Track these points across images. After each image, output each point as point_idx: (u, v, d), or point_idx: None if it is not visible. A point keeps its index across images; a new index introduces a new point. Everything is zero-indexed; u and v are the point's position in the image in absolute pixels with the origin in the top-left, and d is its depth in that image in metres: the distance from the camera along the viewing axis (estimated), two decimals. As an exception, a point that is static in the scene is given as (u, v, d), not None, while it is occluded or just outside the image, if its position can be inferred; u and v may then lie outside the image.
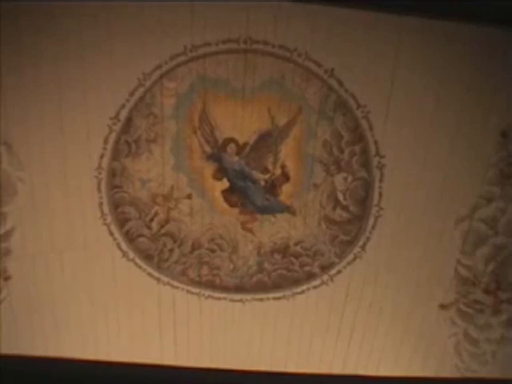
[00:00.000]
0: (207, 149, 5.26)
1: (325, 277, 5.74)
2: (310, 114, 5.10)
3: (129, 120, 5.09)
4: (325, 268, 5.70)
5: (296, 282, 5.79)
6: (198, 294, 5.85)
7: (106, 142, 5.15)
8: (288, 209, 5.49)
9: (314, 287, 5.78)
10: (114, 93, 4.97)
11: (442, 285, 5.53)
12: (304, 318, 5.93)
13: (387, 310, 5.74)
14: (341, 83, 4.96)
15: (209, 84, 4.99)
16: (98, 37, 4.73)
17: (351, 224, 5.48)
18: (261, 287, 5.83)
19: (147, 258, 5.66)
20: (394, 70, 4.86)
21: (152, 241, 5.58)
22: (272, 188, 5.42)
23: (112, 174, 5.28)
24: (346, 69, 4.90)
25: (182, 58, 4.88)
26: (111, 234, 5.51)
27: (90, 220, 5.41)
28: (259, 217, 5.55)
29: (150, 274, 5.73)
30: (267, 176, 5.38)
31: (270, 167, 5.34)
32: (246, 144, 5.24)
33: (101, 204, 5.37)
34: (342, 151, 5.21)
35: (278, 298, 5.86)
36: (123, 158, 5.23)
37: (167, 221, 5.51)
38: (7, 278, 5.38)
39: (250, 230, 5.60)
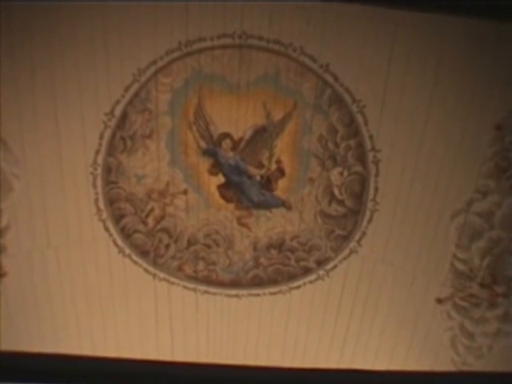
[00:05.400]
0: (202, 144, 5.26)
1: (321, 272, 5.75)
2: (306, 108, 5.10)
3: (124, 116, 5.09)
4: (321, 263, 5.71)
5: (292, 277, 5.79)
6: (194, 290, 5.86)
7: (101, 137, 5.14)
8: (284, 204, 5.49)
9: (310, 282, 5.79)
10: (108, 89, 4.96)
11: (437, 279, 5.54)
12: (300, 313, 5.94)
13: (383, 305, 5.75)
14: (336, 78, 4.96)
15: (204, 79, 5.00)
16: (92, 33, 4.73)
17: (347, 218, 5.49)
18: (257, 282, 5.83)
19: (143, 253, 5.66)
20: (388, 65, 4.86)
21: (148, 236, 5.58)
22: (267, 183, 5.42)
23: (107, 169, 5.28)
24: (341, 63, 4.90)
25: (177, 54, 4.88)
26: (107, 229, 5.50)
27: (86, 216, 5.41)
28: (255, 212, 5.55)
29: (146, 270, 5.73)
30: (263, 171, 5.39)
31: (266, 162, 5.35)
32: (241, 139, 5.25)
33: (96, 200, 5.36)
34: (337, 146, 5.21)
35: (274, 293, 5.87)
36: (118, 153, 5.23)
37: (163, 216, 5.51)
38: (3, 275, 5.37)
39: (246, 226, 5.60)
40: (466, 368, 5.69)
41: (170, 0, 4.65)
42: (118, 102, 5.03)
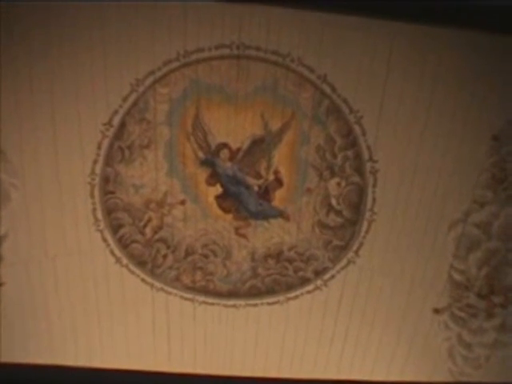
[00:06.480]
0: (200, 154, 5.26)
1: (318, 282, 5.74)
2: (303, 119, 5.11)
3: (122, 126, 5.09)
4: (318, 273, 5.70)
5: (290, 287, 5.78)
6: (191, 300, 5.84)
7: (99, 147, 5.14)
8: (281, 214, 5.49)
9: (308, 292, 5.78)
10: (106, 98, 4.97)
11: (435, 289, 5.54)
12: (298, 323, 5.92)
13: (381, 315, 5.74)
14: (333, 88, 4.97)
15: (202, 90, 5.00)
16: (91, 43, 4.73)
17: (345, 229, 5.49)
18: (254, 292, 5.82)
19: (141, 263, 5.64)
20: (386, 75, 4.87)
21: (145, 247, 5.57)
22: (265, 193, 5.42)
23: (105, 179, 5.27)
24: (338, 74, 4.91)
25: (175, 64, 4.89)
26: (104, 240, 5.49)
27: (83, 226, 5.40)
28: (253, 222, 5.54)
29: (143, 280, 5.71)
30: (260, 181, 5.38)
31: (263, 172, 5.35)
32: (239, 149, 5.25)
33: (94, 210, 5.36)
34: (335, 156, 5.22)
35: (272, 304, 5.85)
36: (116, 163, 5.23)
37: (161, 226, 5.50)
38: (0, 285, 5.36)
39: (244, 236, 5.59)
40: (463, 379, 5.68)
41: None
42: (115, 111, 5.03)
